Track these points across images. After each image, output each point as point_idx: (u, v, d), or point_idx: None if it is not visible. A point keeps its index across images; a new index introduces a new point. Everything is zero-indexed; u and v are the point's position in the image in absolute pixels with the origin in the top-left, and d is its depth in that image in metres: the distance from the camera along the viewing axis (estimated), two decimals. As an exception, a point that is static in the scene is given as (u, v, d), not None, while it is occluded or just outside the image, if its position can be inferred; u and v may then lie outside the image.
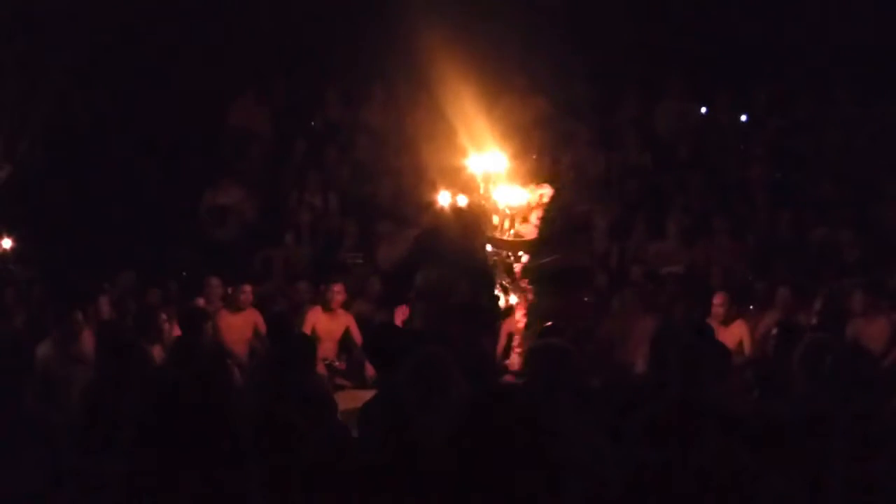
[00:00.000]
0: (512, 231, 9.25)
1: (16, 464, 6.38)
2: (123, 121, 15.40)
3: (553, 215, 9.76)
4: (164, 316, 10.50)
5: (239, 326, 11.82)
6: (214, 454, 5.34)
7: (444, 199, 9.66)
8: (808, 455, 5.43)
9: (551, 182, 10.17)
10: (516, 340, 10.01)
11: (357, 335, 11.84)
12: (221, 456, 5.32)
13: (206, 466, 5.24)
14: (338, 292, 12.17)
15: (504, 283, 9.28)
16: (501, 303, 9.33)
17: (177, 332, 10.05)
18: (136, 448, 5.48)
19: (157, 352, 9.66)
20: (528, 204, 9.44)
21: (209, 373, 6.41)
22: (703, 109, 16.47)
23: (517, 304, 9.84)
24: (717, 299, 11.42)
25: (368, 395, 6.64)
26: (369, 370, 10.62)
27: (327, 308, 12.09)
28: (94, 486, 5.90)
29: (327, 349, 11.60)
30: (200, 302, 11.80)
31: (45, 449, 6.57)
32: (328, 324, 12.00)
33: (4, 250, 13.61)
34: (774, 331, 10.05)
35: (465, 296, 10.31)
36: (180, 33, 15.69)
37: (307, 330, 11.43)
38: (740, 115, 16.35)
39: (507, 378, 9.57)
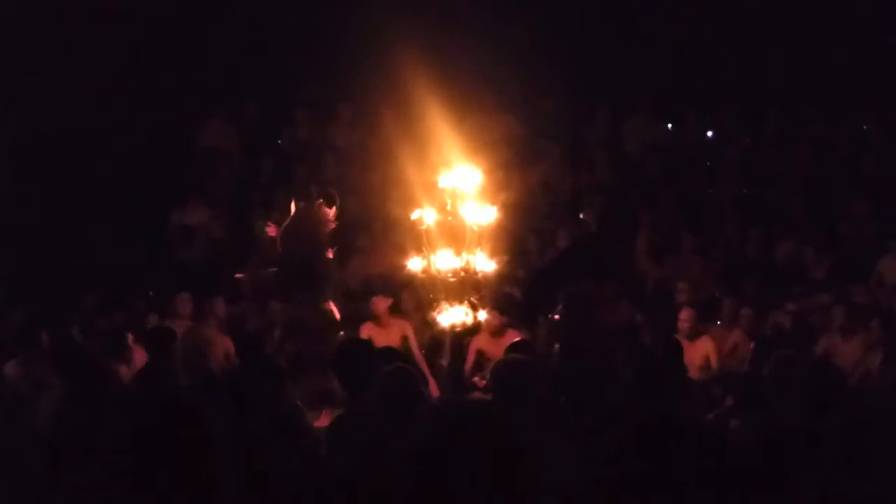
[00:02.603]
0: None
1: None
2: (92, 140, 15.34)
3: None
4: (131, 337, 10.41)
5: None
6: (187, 477, 5.34)
7: (414, 215, 9.65)
8: (780, 470, 5.46)
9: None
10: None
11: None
12: (194, 478, 5.33)
13: (178, 489, 5.25)
14: None
15: (472, 299, 9.29)
16: (470, 320, 9.33)
17: (141, 352, 9.97)
18: (108, 471, 5.48)
19: (125, 372, 9.63)
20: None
21: (178, 397, 6.40)
22: (670, 126, 16.58)
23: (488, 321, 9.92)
24: (683, 314, 11.48)
25: (336, 413, 6.65)
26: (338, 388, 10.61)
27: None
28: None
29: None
30: (167, 321, 11.75)
31: (12, 469, 6.55)
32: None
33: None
34: (752, 345, 10.17)
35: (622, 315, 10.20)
36: (150, 53, 15.69)
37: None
38: (708, 131, 16.47)
39: (476, 395, 9.63)
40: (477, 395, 9.57)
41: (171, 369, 9.04)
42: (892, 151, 15.10)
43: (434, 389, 10.68)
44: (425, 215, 9.38)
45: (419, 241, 9.38)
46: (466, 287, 9.26)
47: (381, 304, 11.77)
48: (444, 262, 9.24)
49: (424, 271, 9.32)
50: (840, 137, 15.65)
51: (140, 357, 9.81)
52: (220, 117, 16.65)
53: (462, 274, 9.21)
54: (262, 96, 16.92)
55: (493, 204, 9.49)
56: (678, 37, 16.11)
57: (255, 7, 16.44)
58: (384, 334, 11.56)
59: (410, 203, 9.64)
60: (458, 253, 9.24)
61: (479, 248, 9.30)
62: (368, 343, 8.80)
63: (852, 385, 10.15)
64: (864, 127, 15.81)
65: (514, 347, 7.79)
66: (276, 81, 16.73)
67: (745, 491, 5.24)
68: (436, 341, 10.85)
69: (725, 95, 16.18)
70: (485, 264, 9.31)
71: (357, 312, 12.30)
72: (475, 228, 9.28)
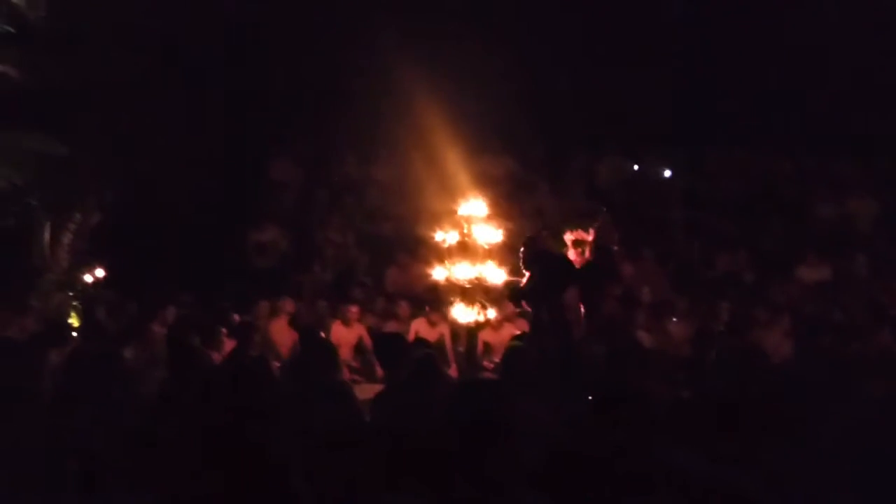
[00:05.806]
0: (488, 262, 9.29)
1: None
2: (191, 179, 15.33)
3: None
4: (224, 330, 10.36)
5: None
6: (251, 425, 5.39)
7: (438, 236, 9.66)
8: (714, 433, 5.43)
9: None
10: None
11: (368, 342, 11.83)
12: (256, 425, 5.37)
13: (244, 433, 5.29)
14: (352, 310, 12.20)
15: (481, 300, 9.28)
16: (481, 317, 9.31)
17: (230, 342, 10.01)
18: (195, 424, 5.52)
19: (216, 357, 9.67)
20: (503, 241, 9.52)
21: (251, 369, 6.44)
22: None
23: (494, 318, 9.88)
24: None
25: (378, 388, 6.70)
26: (379, 369, 10.66)
27: (345, 321, 12.11)
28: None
29: (345, 353, 11.64)
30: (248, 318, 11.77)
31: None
32: (346, 333, 12.01)
33: (98, 278, 13.72)
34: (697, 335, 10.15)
35: None
36: (240, 112, 15.70)
37: (331, 339, 11.48)
38: (664, 170, 16.54)
39: (485, 374, 9.68)
40: (486, 374, 9.62)
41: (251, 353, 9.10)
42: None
43: (454, 370, 10.74)
44: (447, 236, 9.41)
45: (442, 256, 9.40)
46: (478, 292, 9.26)
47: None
48: (460, 272, 9.26)
49: (446, 279, 9.34)
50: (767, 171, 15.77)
51: (228, 346, 9.83)
52: (289, 158, 16.87)
53: (475, 282, 9.22)
54: (321, 141, 17.05)
55: (497, 228, 9.51)
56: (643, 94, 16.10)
57: (318, 74, 16.45)
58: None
59: (435, 226, 9.67)
60: (473, 265, 9.26)
61: (488, 262, 9.31)
62: (401, 335, 8.84)
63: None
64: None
65: (515, 338, 7.84)
66: (332, 130, 16.80)
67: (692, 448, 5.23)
68: (455, 334, 10.88)
69: (676, 141, 16.23)
70: (493, 275, 9.31)
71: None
72: (486, 247, 9.30)
